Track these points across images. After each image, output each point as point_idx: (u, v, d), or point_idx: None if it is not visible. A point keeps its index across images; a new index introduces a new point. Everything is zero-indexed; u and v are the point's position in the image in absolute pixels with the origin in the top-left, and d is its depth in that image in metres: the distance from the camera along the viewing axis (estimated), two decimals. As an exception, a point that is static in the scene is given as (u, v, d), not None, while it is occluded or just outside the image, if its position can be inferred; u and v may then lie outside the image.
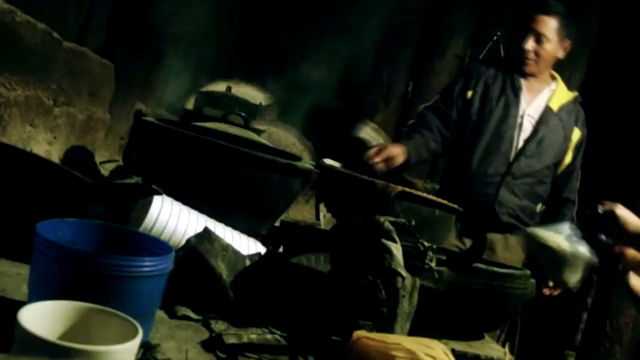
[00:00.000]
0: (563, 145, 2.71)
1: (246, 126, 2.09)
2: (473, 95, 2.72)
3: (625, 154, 3.36)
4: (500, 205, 2.65)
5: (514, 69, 2.71)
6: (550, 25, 2.60)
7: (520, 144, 2.66)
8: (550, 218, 2.68)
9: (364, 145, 3.95)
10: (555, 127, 2.68)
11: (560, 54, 2.68)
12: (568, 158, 2.73)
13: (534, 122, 2.68)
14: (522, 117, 2.68)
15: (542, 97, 2.73)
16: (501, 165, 2.64)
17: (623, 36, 3.64)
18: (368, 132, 4.25)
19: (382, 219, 1.27)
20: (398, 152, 2.49)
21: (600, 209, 1.58)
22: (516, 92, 2.68)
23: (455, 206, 2.02)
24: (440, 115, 2.73)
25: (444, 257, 1.45)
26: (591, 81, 3.86)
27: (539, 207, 2.75)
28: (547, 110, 2.69)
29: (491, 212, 2.64)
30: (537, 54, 2.63)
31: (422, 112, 2.78)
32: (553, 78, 2.78)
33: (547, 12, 2.60)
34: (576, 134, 2.73)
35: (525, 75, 2.70)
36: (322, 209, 2.36)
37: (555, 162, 2.71)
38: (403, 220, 1.34)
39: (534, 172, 2.66)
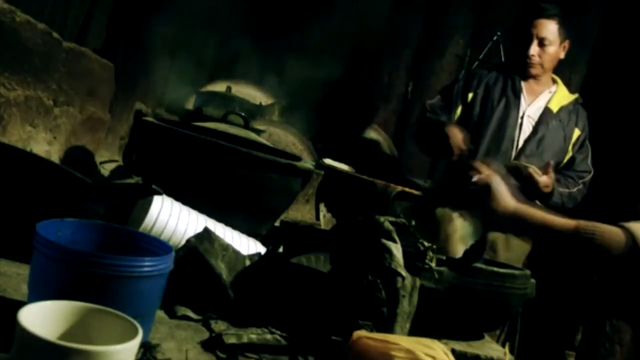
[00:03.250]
0: (563, 147, 2.73)
1: (246, 126, 2.09)
2: (474, 97, 2.77)
3: (625, 154, 3.36)
4: None
5: (517, 72, 2.76)
6: (550, 29, 2.66)
7: (521, 143, 2.69)
8: None
9: (376, 146, 3.95)
10: (555, 127, 2.71)
11: (562, 55, 2.74)
12: (568, 156, 2.75)
13: (533, 122, 2.72)
14: (522, 118, 2.72)
15: (542, 99, 2.77)
16: (502, 164, 2.64)
17: (623, 36, 3.64)
18: (373, 133, 4.25)
19: (382, 219, 1.27)
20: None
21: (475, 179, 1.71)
22: (517, 93, 2.73)
23: (455, 206, 2.03)
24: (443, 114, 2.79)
25: (444, 257, 1.45)
26: (591, 81, 3.86)
27: None
28: (547, 111, 2.73)
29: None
30: (541, 57, 2.69)
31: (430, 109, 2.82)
32: (554, 82, 2.82)
33: (546, 16, 2.66)
34: (576, 133, 2.75)
35: (527, 77, 2.75)
36: (322, 209, 2.35)
37: (556, 162, 2.71)
38: (403, 220, 1.34)
39: None
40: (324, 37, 4.17)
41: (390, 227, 1.26)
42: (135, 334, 0.76)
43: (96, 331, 0.80)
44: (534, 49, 2.67)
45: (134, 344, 0.74)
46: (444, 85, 3.17)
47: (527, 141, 2.69)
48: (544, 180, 2.52)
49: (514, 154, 2.68)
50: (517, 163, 2.57)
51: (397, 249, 1.24)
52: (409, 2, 4.49)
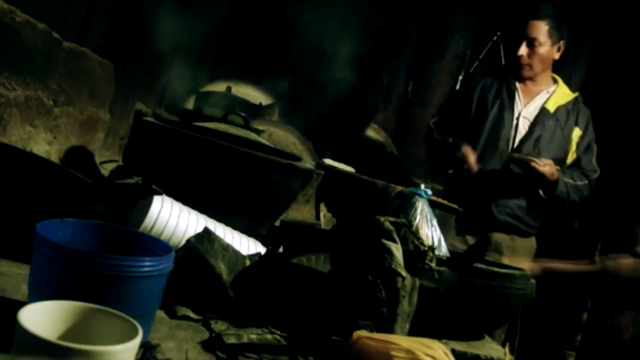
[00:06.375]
0: (563, 145, 2.71)
1: (246, 126, 2.09)
2: (469, 102, 2.81)
3: (626, 154, 3.35)
4: (497, 205, 2.65)
5: (512, 74, 2.79)
6: (541, 29, 2.66)
7: (517, 144, 2.70)
8: None
9: (375, 145, 3.96)
10: (552, 127, 2.70)
11: (556, 55, 2.74)
12: (571, 156, 2.74)
13: (529, 123, 2.72)
14: (517, 119, 2.73)
15: (539, 99, 2.77)
16: (498, 164, 2.66)
17: (623, 36, 3.64)
18: (369, 133, 4.25)
19: (382, 219, 1.27)
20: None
21: None
22: (511, 94, 2.75)
23: (455, 206, 2.03)
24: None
25: (444, 257, 1.45)
26: (591, 81, 3.86)
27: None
28: (543, 111, 2.73)
29: (488, 211, 2.65)
30: (530, 58, 2.70)
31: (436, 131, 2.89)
32: (555, 81, 2.81)
33: (538, 17, 2.67)
34: (576, 132, 2.74)
35: (523, 79, 2.76)
36: (322, 208, 2.35)
37: (557, 161, 2.70)
38: (403, 220, 1.34)
39: None
40: (325, 36, 4.17)
41: (390, 227, 1.26)
42: (135, 334, 0.76)
43: (96, 331, 0.80)
44: (523, 50, 2.69)
45: (134, 344, 0.74)
46: (442, 101, 3.31)
47: (522, 141, 2.70)
48: (547, 170, 2.53)
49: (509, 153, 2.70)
50: (520, 155, 2.59)
51: (397, 249, 1.24)
52: (409, 1, 4.49)
